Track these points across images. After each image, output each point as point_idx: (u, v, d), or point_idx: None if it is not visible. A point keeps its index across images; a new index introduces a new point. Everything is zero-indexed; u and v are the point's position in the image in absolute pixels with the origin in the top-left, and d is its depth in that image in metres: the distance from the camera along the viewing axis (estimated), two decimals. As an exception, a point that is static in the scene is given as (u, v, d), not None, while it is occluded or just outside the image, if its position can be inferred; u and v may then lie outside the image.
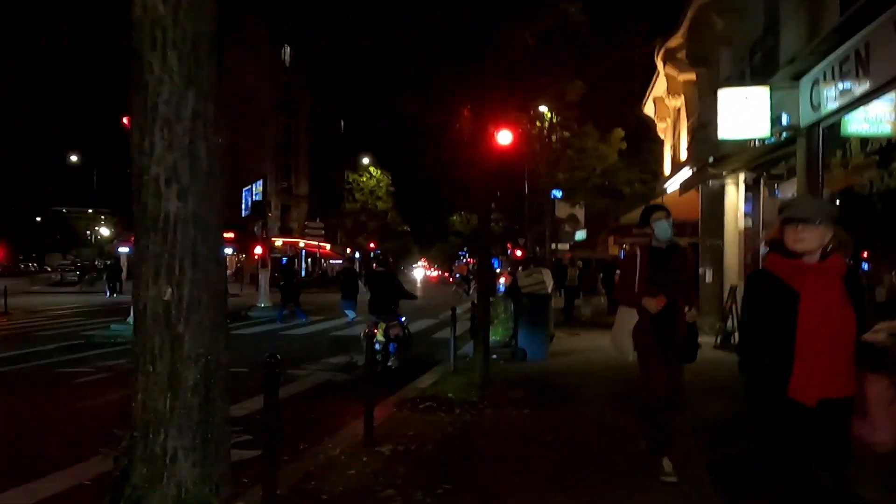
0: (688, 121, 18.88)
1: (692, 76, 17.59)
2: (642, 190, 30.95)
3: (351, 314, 15.95)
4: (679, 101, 19.87)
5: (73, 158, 53.83)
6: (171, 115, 1.78)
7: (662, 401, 4.68)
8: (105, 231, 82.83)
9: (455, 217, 74.26)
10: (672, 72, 18.56)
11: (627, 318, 4.82)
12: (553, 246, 31.91)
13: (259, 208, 23.91)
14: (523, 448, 5.40)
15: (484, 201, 7.93)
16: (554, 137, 26.84)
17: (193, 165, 1.85)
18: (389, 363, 9.56)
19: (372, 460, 4.99)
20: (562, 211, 29.35)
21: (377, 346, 8.92)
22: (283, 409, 7.63)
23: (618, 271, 17.82)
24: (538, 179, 26.01)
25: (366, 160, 52.89)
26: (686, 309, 4.66)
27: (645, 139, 30.98)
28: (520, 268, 13.75)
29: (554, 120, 26.95)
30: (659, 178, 23.95)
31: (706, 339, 12.46)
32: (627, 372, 9.85)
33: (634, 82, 29.12)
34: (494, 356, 10.70)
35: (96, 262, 64.80)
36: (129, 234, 58.25)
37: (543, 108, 26.87)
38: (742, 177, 12.80)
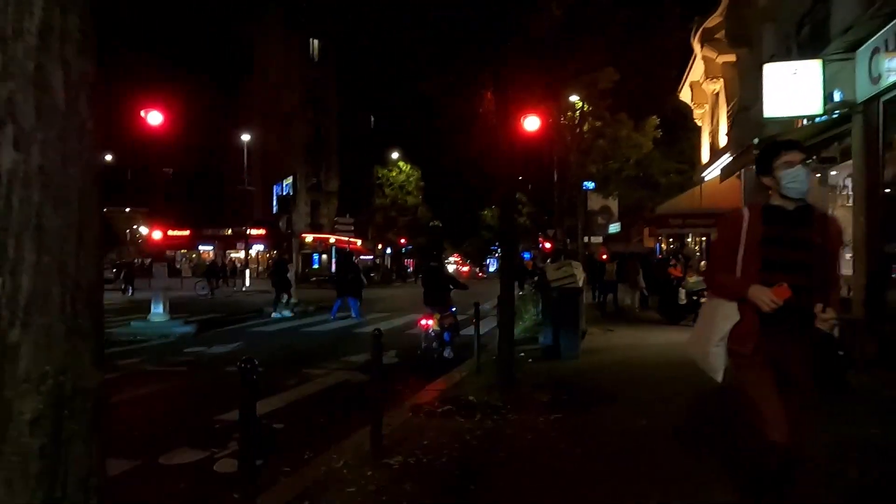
0: (727, 105, 17.95)
1: (732, 57, 16.67)
2: (679, 180, 29.89)
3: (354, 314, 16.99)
4: (718, 85, 18.92)
5: (108, 158, 54.39)
6: (5, 26, 1.22)
7: (778, 453, 2.89)
8: (144, 230, 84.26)
9: (486, 211, 73.61)
10: (710, 54, 17.63)
11: (718, 317, 3.15)
12: (586, 239, 31.09)
13: (284, 204, 23.56)
14: (549, 461, 4.80)
15: (506, 190, 7.32)
16: (586, 127, 26.03)
17: (41, 101, 1.27)
18: (445, 353, 9.98)
19: (377, 475, 4.44)
20: (595, 203, 28.49)
21: (432, 335, 9.92)
22: (293, 412, 7.23)
23: (673, 261, 17.18)
24: (569, 170, 25.21)
25: (395, 155, 52.53)
26: (820, 309, 2.96)
27: (681, 128, 29.90)
28: (548, 260, 13.09)
29: (586, 109, 26.14)
30: (696, 168, 22.99)
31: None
32: (666, 370, 9.29)
33: (670, 69, 28.03)
34: (522, 354, 10.14)
35: (135, 261, 65.77)
36: (165, 231, 59.00)
37: (575, 98, 26.12)
38: (788, 161, 11.91)
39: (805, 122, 9.49)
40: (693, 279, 13.77)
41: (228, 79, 60.25)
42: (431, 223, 76.26)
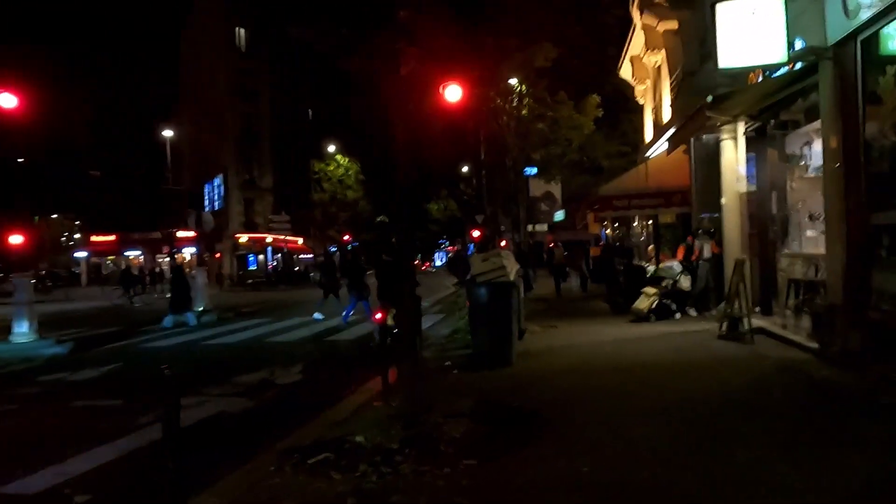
0: (670, 78, 16.70)
1: (674, 24, 15.41)
2: (622, 163, 28.83)
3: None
4: (659, 57, 17.68)
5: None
6: None
7: None
8: (78, 236, 79.60)
9: (433, 205, 72.04)
10: (650, 21, 16.35)
11: None
12: (530, 227, 29.79)
13: (194, 200, 21.35)
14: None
15: (404, 163, 5.65)
16: (524, 111, 24.59)
17: None
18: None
19: None
20: (537, 189, 27.20)
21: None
22: (123, 468, 5.41)
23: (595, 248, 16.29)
24: (508, 155, 23.80)
25: (332, 148, 50.29)
26: None
27: (623, 109, 28.84)
28: (467, 252, 11.50)
29: (524, 90, 24.72)
30: (640, 148, 21.83)
31: (708, 326, 10.37)
32: (617, 376, 7.28)
33: (609, 48, 26.89)
34: (448, 363, 8.53)
35: (60, 270, 61.74)
36: (88, 237, 55.33)
37: (514, 81, 24.67)
38: (741, 129, 10.62)
39: (763, 76, 8.15)
40: (676, 266, 12.27)
41: (155, 72, 56.99)
42: (378, 218, 74.02)
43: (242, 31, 49.08)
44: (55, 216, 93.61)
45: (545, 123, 24.45)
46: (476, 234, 23.15)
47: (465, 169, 36.86)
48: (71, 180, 62.37)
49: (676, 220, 15.72)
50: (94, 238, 54.42)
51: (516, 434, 5.08)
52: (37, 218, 48.28)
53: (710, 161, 11.71)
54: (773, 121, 9.52)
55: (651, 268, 15.45)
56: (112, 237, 53.42)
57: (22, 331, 11.54)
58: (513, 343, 8.16)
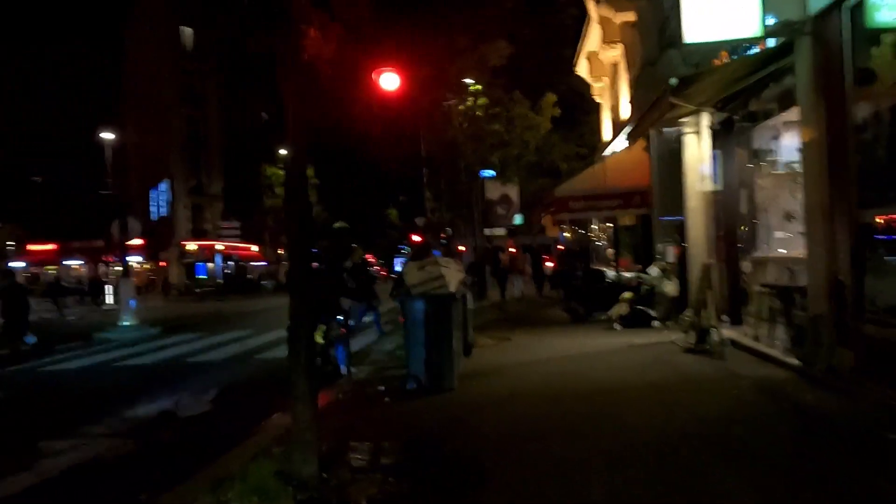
0: (628, 73, 15.89)
1: (631, 14, 14.59)
2: (580, 165, 28.10)
3: None
4: (617, 52, 16.88)
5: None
6: None
7: None
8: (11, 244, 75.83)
9: (392, 210, 70.72)
10: (607, 13, 15.52)
11: None
12: (488, 232, 28.79)
13: (128, 207, 19.77)
14: None
15: (297, 150, 4.48)
16: (479, 112, 23.57)
17: None
18: (345, 371, 8.25)
19: None
20: (493, 192, 26.14)
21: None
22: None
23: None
24: (461, 156, 22.74)
25: (283, 151, 48.64)
26: None
27: (580, 110, 28.18)
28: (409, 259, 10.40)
29: (479, 90, 23.71)
30: (598, 148, 21.05)
31: (673, 337, 9.40)
32: (578, 403, 6.18)
33: (563, 49, 26.17)
34: (382, 388, 7.38)
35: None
36: (23, 246, 52.40)
37: (469, 81, 23.66)
38: (706, 122, 9.74)
39: (734, 54, 7.24)
40: (654, 270, 11.26)
41: (98, 72, 54.39)
42: (337, 224, 71.94)
43: (188, 29, 47.07)
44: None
45: (501, 123, 23.49)
46: (416, 239, 21.54)
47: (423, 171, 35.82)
48: (10, 186, 59.32)
49: (637, 222, 14.87)
50: (31, 247, 51.55)
51: (446, 495, 3.95)
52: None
53: (672, 158, 10.84)
54: (740, 112, 8.64)
55: (611, 273, 14.60)
56: (52, 246, 50.67)
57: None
58: (453, 366, 7.04)
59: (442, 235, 43.88)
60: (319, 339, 8.82)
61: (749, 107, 8.34)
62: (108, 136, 37.40)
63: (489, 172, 25.74)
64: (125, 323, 15.97)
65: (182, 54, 46.95)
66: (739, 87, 7.55)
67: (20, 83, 52.12)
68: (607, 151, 16.67)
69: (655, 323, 10.89)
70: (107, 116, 48.36)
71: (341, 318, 9.22)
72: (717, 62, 8.23)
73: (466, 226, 31.26)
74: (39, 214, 57.75)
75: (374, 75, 9.09)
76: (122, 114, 53.11)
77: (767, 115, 8.02)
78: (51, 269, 51.13)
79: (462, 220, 32.05)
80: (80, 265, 49.29)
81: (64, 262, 49.43)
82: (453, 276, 7.25)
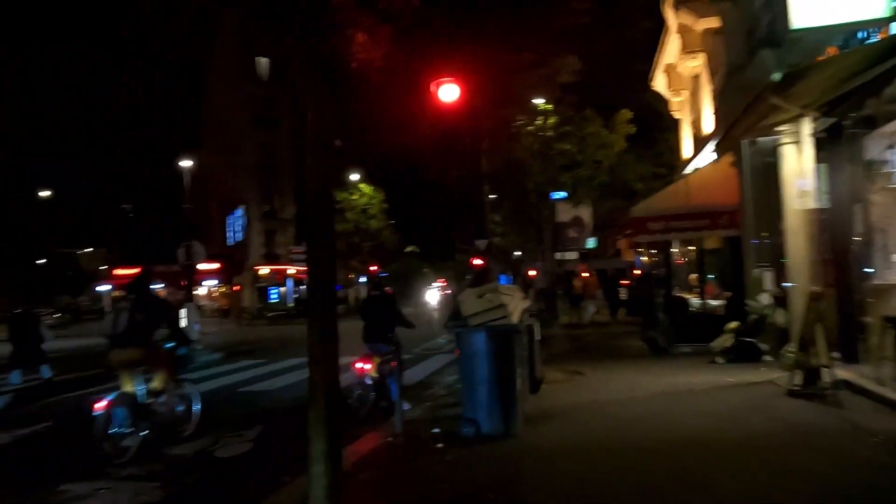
0: (711, 84, 14.68)
1: (714, 20, 13.43)
2: (658, 185, 26.67)
3: None
4: (698, 62, 15.68)
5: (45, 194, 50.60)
6: None
7: None
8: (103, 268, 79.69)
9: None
10: (687, 20, 14.41)
11: None
12: (559, 256, 27.67)
13: (187, 231, 19.88)
14: None
15: (315, 162, 3.77)
16: (550, 132, 22.65)
17: None
18: (395, 404, 6.98)
19: None
20: (564, 214, 25.07)
21: (369, 382, 8.05)
22: None
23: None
24: (530, 177, 21.84)
25: (355, 176, 48.97)
26: None
27: (657, 127, 26.82)
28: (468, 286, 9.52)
29: (549, 109, 22.85)
30: (677, 167, 19.72)
31: (771, 376, 8.07)
32: (656, 466, 5.04)
33: (637, 64, 24.96)
34: (437, 430, 6.55)
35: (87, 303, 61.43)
36: (111, 270, 54.77)
37: (539, 101, 22.88)
38: (807, 129, 8.52)
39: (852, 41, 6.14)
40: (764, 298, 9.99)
41: (179, 104, 56.89)
42: (408, 248, 72.26)
43: (264, 59, 48.42)
44: (90, 249, 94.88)
45: (572, 143, 22.48)
46: (476, 262, 19.94)
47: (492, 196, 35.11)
48: (100, 213, 62.62)
49: (724, 245, 13.53)
50: (117, 271, 53.83)
51: None
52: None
53: (767, 172, 9.61)
54: (852, 115, 7.44)
55: (695, 301, 13.32)
56: (135, 270, 52.60)
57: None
58: (516, 408, 6.14)
59: (511, 260, 42.91)
60: (374, 373, 8.16)
61: (864, 109, 7.13)
62: (186, 163, 38.71)
63: (560, 194, 24.72)
64: (197, 346, 15.77)
65: (258, 84, 48.26)
66: (856, 84, 6.39)
67: (110, 115, 55.14)
68: (689, 168, 15.43)
69: (766, 357, 9.59)
70: (187, 145, 50.42)
71: (397, 348, 8.56)
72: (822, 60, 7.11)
73: (536, 249, 30.23)
74: (126, 239, 60.61)
75: (432, 87, 8.45)
76: (201, 142, 55.23)
77: (890, 117, 6.80)
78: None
79: (532, 243, 31.04)
80: (161, 289, 50.94)
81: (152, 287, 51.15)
82: (517, 304, 6.38)
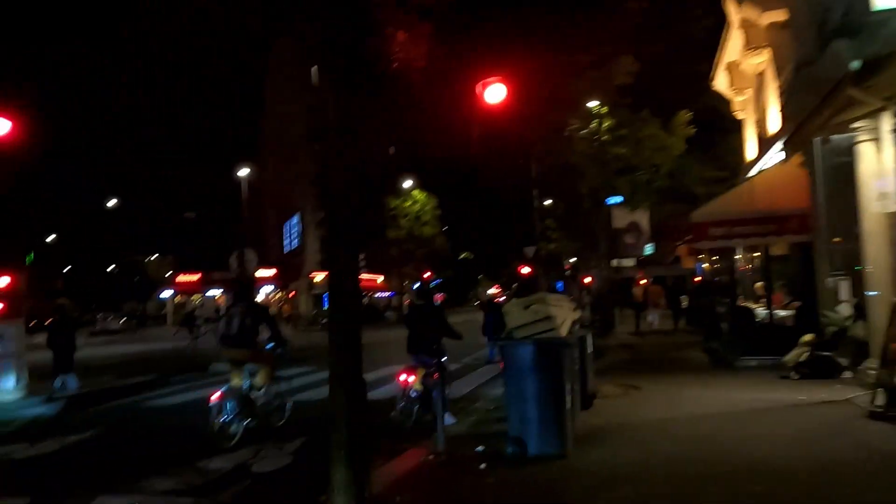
0: (777, 81, 13.85)
1: (780, 14, 12.65)
2: (720, 190, 25.58)
3: None
4: (762, 58, 14.85)
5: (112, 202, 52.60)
6: None
7: None
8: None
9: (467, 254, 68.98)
10: (751, 14, 13.63)
11: None
12: (615, 263, 26.87)
13: (241, 238, 20.04)
14: None
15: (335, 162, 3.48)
16: (605, 136, 22.02)
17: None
18: (439, 417, 6.54)
19: None
20: (620, 220, 24.24)
21: (413, 395, 7.81)
22: None
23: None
24: (581, 182, 21.24)
25: (408, 183, 49.03)
26: None
27: (718, 129, 25.72)
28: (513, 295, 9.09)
29: (603, 111, 22.24)
30: (741, 169, 18.77)
31: (849, 394, 7.37)
32: (724, 496, 4.52)
33: (697, 65, 23.99)
34: (481, 448, 6.18)
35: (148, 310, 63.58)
36: (174, 277, 56.51)
37: (593, 104, 22.30)
38: (887, 125, 7.80)
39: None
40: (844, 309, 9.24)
41: (240, 114, 58.44)
42: (462, 255, 71.90)
43: (317, 68, 49.14)
44: (156, 256, 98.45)
45: (628, 147, 21.76)
46: (525, 271, 18.89)
47: (547, 202, 34.52)
48: (165, 221, 64.87)
49: (791, 251, 12.70)
50: (179, 278, 55.53)
51: None
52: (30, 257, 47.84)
53: (841, 172, 8.88)
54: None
55: (760, 311, 12.51)
56: (196, 276, 54.08)
57: (7, 387, 10.06)
58: (565, 427, 5.72)
59: (567, 267, 42.02)
60: (418, 385, 7.87)
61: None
62: (243, 172, 39.57)
63: (616, 199, 23.98)
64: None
65: (313, 91, 48.93)
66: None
67: (175, 128, 56.99)
68: (753, 171, 14.61)
69: (847, 373, 8.82)
70: (247, 155, 51.63)
71: (445, 358, 8.28)
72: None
73: (591, 256, 29.48)
74: (188, 247, 62.51)
75: (478, 87, 8.12)
76: (260, 152, 56.49)
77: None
78: (195, 298, 54.61)
79: (588, 250, 30.29)
80: (221, 294, 52.16)
81: (207, 294, 52.50)
82: (565, 315, 5.97)
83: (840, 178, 8.97)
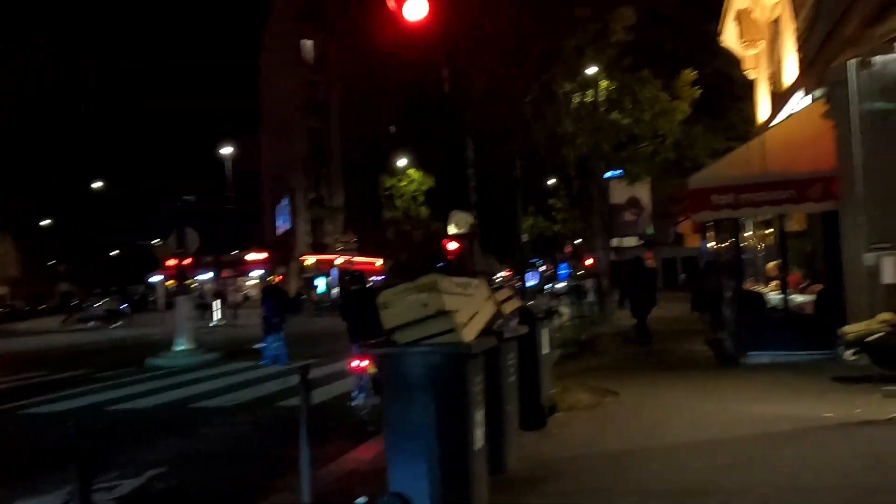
0: (795, 23, 11.62)
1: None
2: (730, 160, 23.32)
3: None
4: (777, 1, 12.63)
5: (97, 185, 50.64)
6: None
7: None
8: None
9: (529, 219, 67.16)
10: (765, -60, 11.39)
11: None
12: (615, 242, 24.79)
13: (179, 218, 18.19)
14: None
15: None
16: (602, 95, 19.72)
17: None
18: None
19: None
20: (619, 195, 22.11)
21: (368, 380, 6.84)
22: None
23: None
24: (574, 150, 19.10)
25: (402, 162, 46.90)
26: None
27: (728, 95, 23.39)
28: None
29: (600, 73, 20.02)
30: (752, 132, 16.53)
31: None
32: None
33: (702, 24, 21.58)
34: (362, 501, 4.20)
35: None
36: (165, 260, 54.86)
37: (590, 71, 20.10)
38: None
39: None
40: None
41: (231, 90, 56.48)
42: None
43: (308, 42, 46.95)
44: (157, 241, 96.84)
45: (626, 113, 19.54)
46: (452, 246, 14.60)
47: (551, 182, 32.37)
48: (161, 204, 63.09)
49: (810, 224, 10.55)
50: (168, 262, 53.71)
51: None
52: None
53: (885, 120, 6.76)
54: None
55: (773, 296, 10.41)
56: (188, 261, 52.31)
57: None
58: (470, 477, 3.70)
59: (567, 249, 39.85)
60: (372, 368, 6.80)
61: None
62: (226, 150, 37.54)
63: (614, 172, 21.81)
64: (179, 347, 13.97)
65: (307, 68, 46.88)
66: None
67: (171, 109, 55.09)
68: (771, 125, 12.43)
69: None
70: (243, 134, 49.77)
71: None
72: None
73: (595, 236, 27.40)
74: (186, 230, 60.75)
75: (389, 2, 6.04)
76: (257, 132, 54.48)
77: None
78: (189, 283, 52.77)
79: (590, 230, 28.23)
80: (210, 279, 50.44)
81: (198, 277, 50.76)
82: (474, 308, 3.93)
83: (883, 127, 6.85)
